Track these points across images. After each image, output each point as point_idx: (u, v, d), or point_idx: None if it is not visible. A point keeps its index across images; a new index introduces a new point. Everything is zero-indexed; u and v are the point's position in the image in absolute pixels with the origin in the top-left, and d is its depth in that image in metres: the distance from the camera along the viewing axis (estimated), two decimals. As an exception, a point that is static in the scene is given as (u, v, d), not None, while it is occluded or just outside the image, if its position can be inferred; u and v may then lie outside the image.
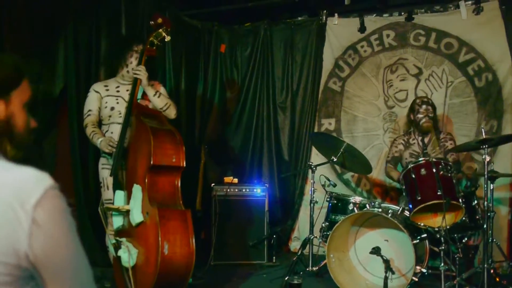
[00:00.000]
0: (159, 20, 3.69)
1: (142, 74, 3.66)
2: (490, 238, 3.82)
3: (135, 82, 3.64)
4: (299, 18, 6.09)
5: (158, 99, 3.80)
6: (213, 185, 5.09)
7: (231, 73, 6.26)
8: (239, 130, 6.19)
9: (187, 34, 5.89)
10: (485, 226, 3.76)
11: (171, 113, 3.85)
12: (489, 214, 3.78)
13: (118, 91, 3.85)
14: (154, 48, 3.72)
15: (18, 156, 1.21)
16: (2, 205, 1.03)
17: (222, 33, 6.24)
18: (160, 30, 3.68)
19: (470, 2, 5.21)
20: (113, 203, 3.45)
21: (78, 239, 1.17)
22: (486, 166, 3.70)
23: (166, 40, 3.72)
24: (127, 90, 3.78)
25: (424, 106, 4.60)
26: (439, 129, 4.71)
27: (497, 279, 3.80)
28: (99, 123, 3.84)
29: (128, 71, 3.84)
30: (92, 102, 3.84)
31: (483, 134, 3.75)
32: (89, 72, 4.55)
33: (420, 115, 4.58)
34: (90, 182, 4.54)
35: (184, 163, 3.30)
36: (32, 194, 1.06)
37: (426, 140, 4.58)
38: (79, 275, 1.16)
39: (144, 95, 3.82)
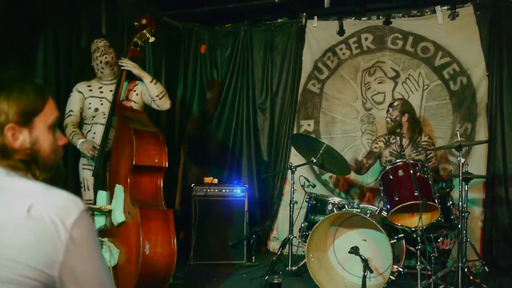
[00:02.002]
0: (143, 21, 3.69)
1: (130, 64, 3.66)
2: (464, 238, 3.93)
3: (119, 81, 3.63)
4: (279, 20, 6.12)
5: (155, 86, 3.75)
6: (193, 185, 5.09)
7: (211, 73, 6.27)
8: (219, 130, 6.20)
9: (168, 35, 5.89)
10: (459, 226, 3.86)
11: (166, 102, 3.81)
12: (463, 214, 3.89)
13: (101, 92, 3.82)
14: (138, 49, 3.71)
15: (48, 178, 1.29)
16: (46, 219, 1.14)
17: (203, 33, 6.25)
18: (144, 31, 3.68)
19: (446, 8, 5.31)
20: (94, 204, 3.45)
21: (104, 259, 1.28)
22: (460, 168, 3.79)
23: (150, 41, 3.72)
24: (111, 91, 3.76)
25: (390, 109, 4.74)
26: (420, 131, 4.77)
27: (471, 278, 3.90)
28: (81, 123, 3.82)
29: (101, 70, 3.83)
30: (74, 103, 3.81)
31: (458, 137, 3.87)
32: (69, 72, 4.50)
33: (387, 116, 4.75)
34: (69, 182, 4.50)
35: (167, 164, 3.32)
36: (71, 214, 1.17)
37: (404, 141, 4.66)
38: None
39: (128, 95, 3.82)
